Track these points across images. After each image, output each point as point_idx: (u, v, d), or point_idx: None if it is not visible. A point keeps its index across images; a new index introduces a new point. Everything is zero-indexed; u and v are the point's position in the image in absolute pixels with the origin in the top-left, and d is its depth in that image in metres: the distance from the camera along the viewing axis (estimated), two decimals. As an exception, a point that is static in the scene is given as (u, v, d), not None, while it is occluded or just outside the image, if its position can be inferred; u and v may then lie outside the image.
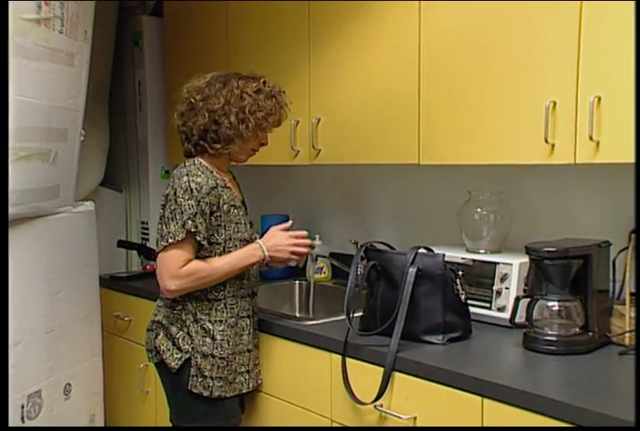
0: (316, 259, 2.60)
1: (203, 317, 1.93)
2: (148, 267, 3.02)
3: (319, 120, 2.38)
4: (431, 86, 2.03)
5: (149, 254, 3.01)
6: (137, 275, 2.95)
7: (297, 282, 2.73)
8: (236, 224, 1.94)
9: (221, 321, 1.94)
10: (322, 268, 2.76)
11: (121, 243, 3.09)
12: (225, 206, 1.90)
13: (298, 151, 2.45)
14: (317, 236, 2.79)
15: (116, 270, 3.10)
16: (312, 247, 2.04)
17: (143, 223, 3.23)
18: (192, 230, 1.83)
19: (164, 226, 1.86)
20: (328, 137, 2.36)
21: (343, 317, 1.86)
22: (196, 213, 1.83)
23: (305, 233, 1.99)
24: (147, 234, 3.18)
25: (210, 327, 1.93)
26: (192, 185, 1.84)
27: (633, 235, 1.85)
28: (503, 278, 1.97)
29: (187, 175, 1.86)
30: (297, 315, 2.60)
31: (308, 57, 2.40)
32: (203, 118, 1.90)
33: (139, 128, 3.20)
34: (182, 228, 1.83)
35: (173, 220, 1.83)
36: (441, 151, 2.02)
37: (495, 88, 1.87)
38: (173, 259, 1.84)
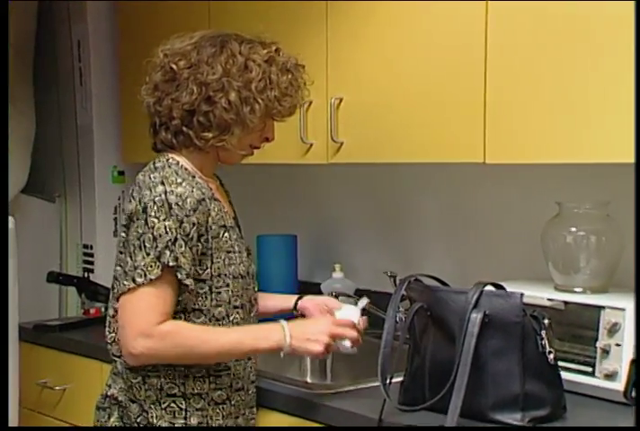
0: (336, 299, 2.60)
1: (175, 390, 1.91)
2: (92, 310, 3.01)
3: (340, 101, 2.39)
4: (501, 55, 2.03)
5: (94, 292, 3.01)
6: (76, 323, 2.95)
7: (308, 333, 2.73)
8: (228, 252, 1.92)
9: (200, 396, 1.92)
10: (344, 313, 2.76)
11: (53, 277, 3.09)
12: (213, 228, 1.89)
13: (311, 144, 2.47)
14: (337, 266, 2.79)
15: (44, 317, 3.10)
16: None
17: (86, 247, 3.24)
18: (171, 264, 1.81)
19: (128, 258, 1.84)
20: (353, 125, 2.37)
21: (376, 384, 1.86)
22: (176, 239, 1.81)
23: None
24: (92, 264, 3.19)
25: (184, 405, 1.91)
26: (172, 198, 1.82)
27: None
28: (612, 330, 1.95)
29: (162, 184, 1.85)
30: (309, 381, 2.58)
31: (326, 10, 2.42)
32: (190, 93, 1.89)
33: (80, 111, 3.22)
34: (157, 261, 1.81)
35: (142, 249, 1.82)
36: (516, 145, 2.02)
37: (595, 53, 1.87)
38: (144, 309, 1.81)
